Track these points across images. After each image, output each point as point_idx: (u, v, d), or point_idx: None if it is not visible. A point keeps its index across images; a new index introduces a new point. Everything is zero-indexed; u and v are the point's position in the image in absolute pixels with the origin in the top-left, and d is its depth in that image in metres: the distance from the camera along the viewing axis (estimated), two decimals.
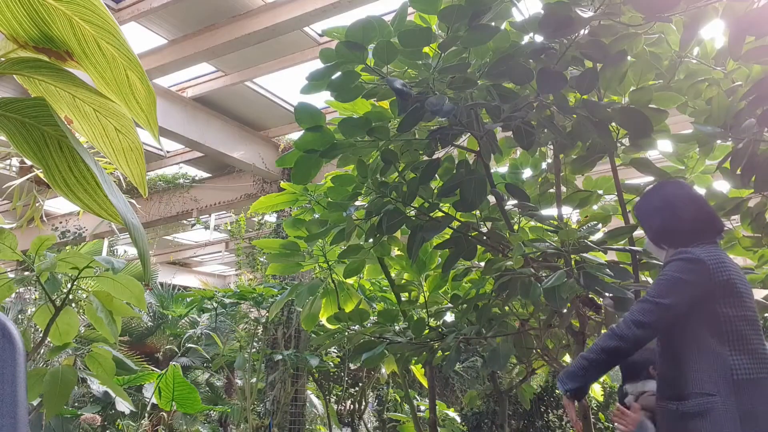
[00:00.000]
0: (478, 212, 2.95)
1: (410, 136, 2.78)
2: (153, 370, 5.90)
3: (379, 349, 2.99)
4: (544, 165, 3.21)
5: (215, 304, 5.85)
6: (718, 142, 2.79)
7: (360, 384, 6.98)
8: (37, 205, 4.19)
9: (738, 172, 2.47)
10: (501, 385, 4.42)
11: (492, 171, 2.89)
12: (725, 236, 2.87)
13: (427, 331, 3.07)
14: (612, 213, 3.13)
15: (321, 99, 2.94)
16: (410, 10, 2.50)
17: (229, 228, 10.57)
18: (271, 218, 9.16)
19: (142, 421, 5.75)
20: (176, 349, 8.26)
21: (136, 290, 2.83)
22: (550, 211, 3.00)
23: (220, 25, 6.30)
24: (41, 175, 2.64)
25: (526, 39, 2.56)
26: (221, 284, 17.07)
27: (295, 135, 8.47)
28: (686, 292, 1.75)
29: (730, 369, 1.66)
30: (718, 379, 1.65)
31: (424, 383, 4.54)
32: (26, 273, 2.91)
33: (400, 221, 2.71)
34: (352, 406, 7.05)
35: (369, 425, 7.27)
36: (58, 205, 11.28)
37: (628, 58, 2.51)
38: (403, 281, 3.49)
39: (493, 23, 2.41)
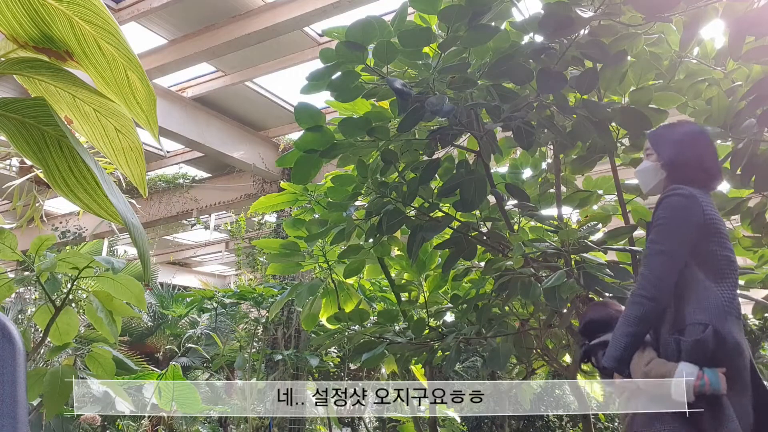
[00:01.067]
0: (478, 212, 2.95)
1: (410, 136, 2.78)
2: (153, 370, 5.90)
3: (379, 349, 2.99)
4: (544, 165, 3.21)
5: (215, 304, 5.85)
6: (718, 142, 2.79)
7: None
8: (37, 205, 4.19)
9: (738, 172, 2.47)
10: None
11: (492, 171, 2.89)
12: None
13: (427, 331, 3.07)
14: (612, 213, 3.13)
15: (321, 99, 2.94)
16: (410, 10, 2.50)
17: (229, 228, 10.57)
18: (271, 218, 9.16)
19: (142, 421, 5.75)
20: (176, 349, 8.26)
21: (136, 290, 2.83)
22: (550, 211, 3.00)
23: (220, 25, 6.30)
24: (41, 175, 2.64)
25: (526, 39, 2.56)
26: (221, 284, 17.07)
27: (295, 135, 8.48)
28: (687, 231, 1.77)
29: (721, 302, 1.71)
30: (710, 309, 1.70)
31: (425, 383, 4.54)
32: (26, 273, 2.91)
33: (400, 221, 2.71)
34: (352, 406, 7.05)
35: (369, 425, 7.27)
36: (58, 205, 11.28)
37: (628, 58, 2.51)
38: (403, 281, 3.49)
39: (493, 23, 2.41)
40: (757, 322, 3.96)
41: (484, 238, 2.85)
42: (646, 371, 1.71)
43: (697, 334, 1.67)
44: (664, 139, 2.01)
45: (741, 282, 2.62)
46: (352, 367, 6.49)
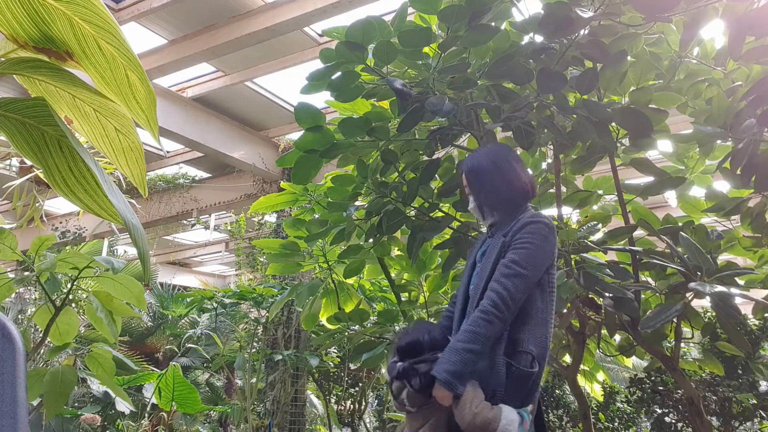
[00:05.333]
0: None
1: (410, 136, 2.78)
2: (153, 370, 5.90)
3: (379, 349, 2.99)
4: (544, 165, 3.21)
5: (215, 304, 5.85)
6: (718, 142, 2.79)
7: (360, 384, 6.98)
8: (37, 205, 4.19)
9: (738, 172, 2.47)
10: None
11: None
12: (726, 236, 2.86)
13: None
14: (612, 213, 3.13)
15: (321, 99, 2.94)
16: (410, 10, 2.50)
17: (229, 228, 10.57)
18: (271, 218, 9.16)
19: (142, 421, 5.75)
20: (176, 349, 8.26)
21: (136, 290, 2.83)
22: (550, 211, 3.00)
23: (220, 25, 6.30)
24: (41, 175, 2.64)
25: (526, 39, 2.56)
26: (221, 284, 17.06)
27: (295, 135, 8.47)
28: (546, 261, 1.79)
29: (547, 336, 1.74)
30: (540, 343, 1.72)
31: None
32: (26, 273, 2.91)
33: (400, 221, 2.71)
34: (352, 406, 7.05)
35: (369, 425, 7.27)
36: (58, 205, 11.29)
37: (628, 58, 2.51)
38: (403, 281, 3.49)
39: (493, 23, 2.41)
40: (757, 322, 3.96)
41: None
42: (476, 412, 1.60)
43: (526, 364, 1.68)
44: (479, 175, 1.98)
45: (741, 282, 2.63)
46: (352, 367, 6.49)
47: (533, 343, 1.70)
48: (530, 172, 3.24)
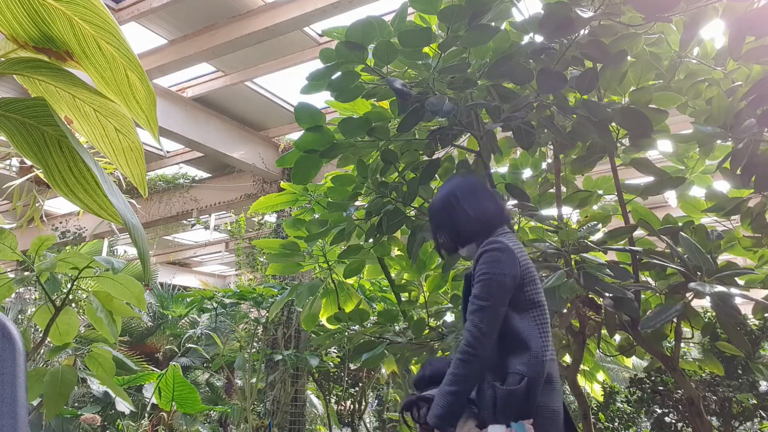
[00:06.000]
0: None
1: (410, 136, 2.78)
2: (153, 370, 5.91)
3: (379, 349, 2.99)
4: (544, 165, 3.21)
5: (215, 304, 5.85)
6: (718, 142, 2.79)
7: (360, 384, 6.98)
8: (37, 205, 4.19)
9: (738, 172, 2.47)
10: None
11: (492, 171, 2.89)
12: (726, 236, 2.86)
13: (427, 331, 3.07)
14: (612, 213, 3.13)
15: (321, 99, 2.94)
16: (410, 10, 2.50)
17: (229, 228, 10.57)
18: (271, 218, 9.16)
19: (142, 421, 5.75)
20: (176, 349, 8.26)
21: (136, 290, 2.83)
22: (550, 211, 3.00)
23: (220, 25, 6.30)
24: (41, 175, 2.64)
25: (526, 39, 2.56)
26: (221, 284, 17.06)
27: (295, 135, 8.47)
28: (507, 283, 1.79)
29: (540, 346, 1.76)
30: (528, 362, 1.74)
31: None
32: (26, 273, 2.91)
33: (400, 221, 2.71)
34: (352, 406, 7.05)
35: (369, 425, 7.27)
36: (58, 205, 11.29)
37: (628, 58, 2.51)
38: (403, 281, 3.49)
39: (493, 23, 2.41)
40: (757, 322, 3.96)
41: None
42: None
43: (514, 384, 1.71)
44: (449, 216, 1.98)
45: (741, 282, 2.63)
46: (352, 367, 6.49)
47: (520, 363, 1.74)
48: (531, 172, 3.25)
